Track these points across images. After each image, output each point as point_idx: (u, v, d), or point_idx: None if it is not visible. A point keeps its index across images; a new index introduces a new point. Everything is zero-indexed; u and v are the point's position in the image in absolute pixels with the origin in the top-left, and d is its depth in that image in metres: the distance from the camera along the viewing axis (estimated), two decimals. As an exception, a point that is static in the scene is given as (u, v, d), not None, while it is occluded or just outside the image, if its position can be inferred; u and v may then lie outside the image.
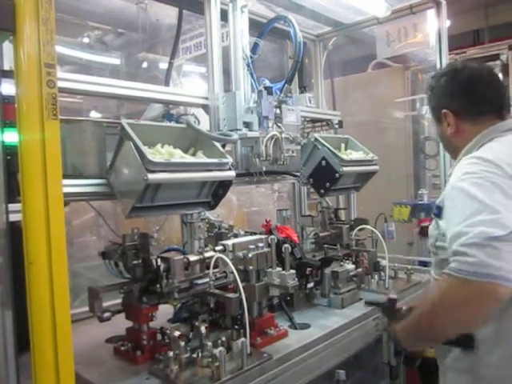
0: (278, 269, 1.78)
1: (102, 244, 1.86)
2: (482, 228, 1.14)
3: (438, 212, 1.42)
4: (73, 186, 1.56)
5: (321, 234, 2.65)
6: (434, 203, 1.50)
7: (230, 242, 1.80)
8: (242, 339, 1.57)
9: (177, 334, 1.58)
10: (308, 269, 2.11)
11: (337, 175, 2.41)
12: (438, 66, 3.02)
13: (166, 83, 2.47)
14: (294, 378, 1.71)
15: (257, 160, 2.05)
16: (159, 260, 1.69)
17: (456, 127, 1.48)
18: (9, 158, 1.26)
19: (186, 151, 1.80)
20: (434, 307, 1.27)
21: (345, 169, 2.41)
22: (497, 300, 1.14)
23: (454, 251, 1.19)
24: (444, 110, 1.49)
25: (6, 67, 1.44)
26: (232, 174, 1.80)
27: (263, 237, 1.93)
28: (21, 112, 1.14)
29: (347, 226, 2.64)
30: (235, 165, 2.05)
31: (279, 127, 2.13)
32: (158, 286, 1.66)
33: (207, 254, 1.78)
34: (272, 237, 1.83)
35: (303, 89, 2.89)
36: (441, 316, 1.25)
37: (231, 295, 1.67)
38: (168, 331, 1.63)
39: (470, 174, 1.28)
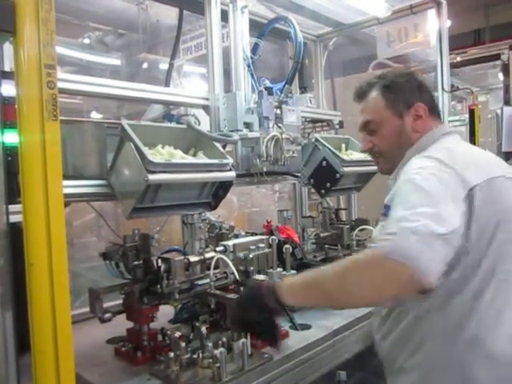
0: (279, 269, 1.78)
1: (103, 245, 1.86)
2: (427, 221, 1.11)
3: (386, 211, 1.34)
4: (73, 186, 1.56)
5: (322, 235, 2.65)
6: None
7: (230, 243, 1.80)
8: (243, 340, 1.57)
9: (177, 334, 1.58)
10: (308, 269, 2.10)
11: (337, 175, 2.41)
12: (439, 65, 3.02)
13: (167, 84, 2.47)
14: (294, 378, 1.71)
15: (257, 160, 2.05)
16: (160, 261, 1.69)
17: (425, 122, 1.47)
18: (9, 158, 1.26)
19: (186, 152, 1.80)
20: (345, 269, 1.19)
21: (345, 169, 2.41)
22: (407, 287, 1.11)
23: (391, 232, 1.14)
24: (418, 103, 1.47)
25: (7, 68, 1.44)
26: (232, 174, 1.80)
27: (264, 237, 1.93)
28: (21, 113, 1.14)
29: (348, 226, 2.64)
30: (236, 165, 2.05)
31: (280, 128, 2.13)
32: (159, 286, 1.66)
33: (208, 255, 1.78)
34: (273, 237, 1.83)
35: (304, 89, 2.89)
36: (350, 279, 1.17)
37: (232, 296, 1.67)
38: (169, 332, 1.62)
39: (423, 169, 1.26)
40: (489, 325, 1.23)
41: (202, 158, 1.78)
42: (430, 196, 1.18)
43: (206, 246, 1.91)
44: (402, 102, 1.49)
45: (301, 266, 2.04)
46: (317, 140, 2.53)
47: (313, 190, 2.85)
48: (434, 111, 1.51)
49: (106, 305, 1.70)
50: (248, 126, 2.11)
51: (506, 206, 1.28)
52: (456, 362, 1.25)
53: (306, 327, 1.96)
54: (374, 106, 1.53)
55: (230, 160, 1.79)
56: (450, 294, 1.25)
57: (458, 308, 1.25)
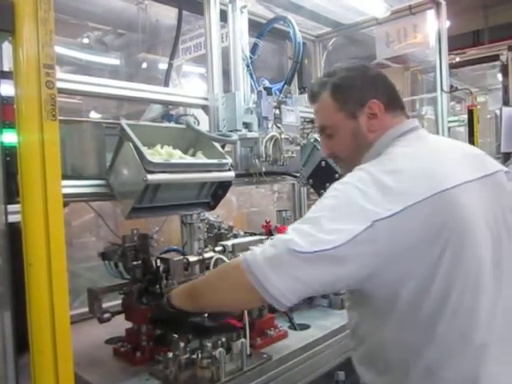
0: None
1: (102, 245, 1.86)
2: (293, 238, 1.07)
3: None
4: (72, 186, 1.56)
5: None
6: None
7: (229, 243, 1.80)
8: (242, 340, 1.57)
9: (176, 334, 1.58)
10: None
11: (336, 176, 2.41)
12: (438, 66, 3.03)
13: (166, 84, 2.47)
14: (293, 378, 1.71)
15: (256, 161, 2.05)
16: (159, 261, 1.69)
17: (381, 120, 1.32)
18: (8, 158, 1.26)
19: (185, 152, 1.80)
20: (212, 272, 1.34)
21: (344, 169, 2.41)
22: (250, 301, 1.17)
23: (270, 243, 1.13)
24: (371, 101, 1.31)
25: (6, 68, 1.44)
26: (231, 174, 1.80)
27: (263, 237, 1.93)
28: (20, 113, 1.14)
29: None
30: (235, 165, 2.05)
31: (279, 128, 2.13)
32: (158, 286, 1.66)
33: (207, 255, 1.78)
34: (272, 237, 1.82)
35: (303, 89, 2.89)
36: (212, 282, 1.28)
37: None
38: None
39: (342, 184, 1.16)
40: (447, 353, 1.11)
41: (200, 158, 1.78)
42: (320, 215, 1.10)
43: (205, 246, 1.91)
44: (354, 101, 1.34)
45: None
46: (316, 140, 2.53)
47: (312, 190, 2.85)
48: (393, 106, 1.34)
49: (104, 305, 1.70)
50: (247, 126, 2.12)
51: (455, 219, 1.10)
52: None
53: (305, 327, 1.96)
54: (326, 110, 1.39)
55: (229, 160, 1.79)
56: (403, 325, 1.14)
57: (413, 337, 1.14)
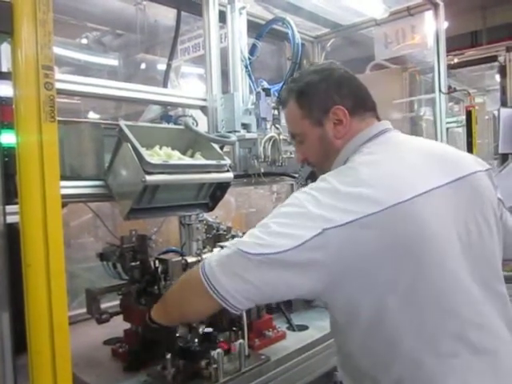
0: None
1: (100, 245, 1.86)
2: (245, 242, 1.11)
3: None
4: (70, 187, 1.55)
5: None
6: None
7: (228, 244, 1.80)
8: (240, 341, 1.57)
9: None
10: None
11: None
12: (436, 67, 3.03)
13: (164, 84, 2.47)
14: (292, 379, 1.71)
15: (255, 161, 2.05)
16: (157, 261, 1.69)
17: (348, 126, 1.29)
18: (6, 159, 1.26)
19: (184, 153, 1.80)
20: (175, 286, 1.35)
21: (343, 170, 2.41)
22: (206, 307, 1.19)
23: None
24: (337, 107, 1.27)
25: (4, 69, 1.44)
26: (230, 175, 1.80)
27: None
28: (18, 114, 1.14)
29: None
30: (233, 166, 2.05)
31: (277, 129, 2.13)
32: (156, 287, 1.66)
33: (205, 256, 1.77)
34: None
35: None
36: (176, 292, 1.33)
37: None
38: (166, 333, 1.62)
39: (301, 194, 1.14)
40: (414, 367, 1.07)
41: (199, 159, 1.78)
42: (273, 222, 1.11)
43: (204, 247, 1.91)
44: (318, 108, 1.30)
45: None
46: (314, 141, 2.53)
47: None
48: (359, 110, 1.30)
49: (103, 306, 1.70)
50: (246, 126, 2.12)
51: (413, 231, 1.05)
52: None
53: (304, 328, 1.96)
54: (293, 118, 1.37)
55: (227, 161, 1.79)
56: (366, 339, 1.12)
57: (378, 352, 1.11)
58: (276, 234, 1.07)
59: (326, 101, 1.29)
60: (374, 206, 1.04)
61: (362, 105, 1.31)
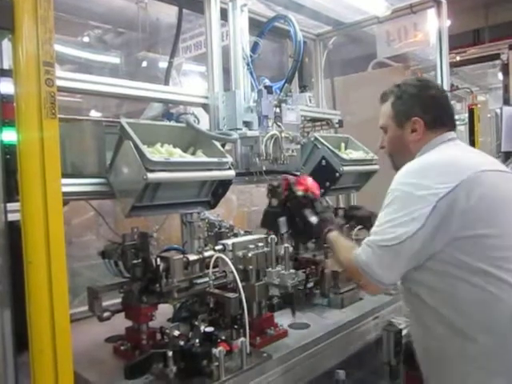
0: (278, 268, 1.78)
1: (102, 243, 1.86)
2: (382, 236, 1.46)
3: None
4: (72, 185, 1.55)
5: (321, 234, 2.64)
6: None
7: (229, 242, 1.80)
8: (242, 339, 1.57)
9: (176, 333, 1.58)
10: (308, 268, 2.12)
11: (337, 175, 2.41)
12: (439, 65, 3.02)
13: (166, 82, 2.46)
14: (293, 377, 1.71)
15: (257, 159, 2.05)
16: (159, 259, 1.69)
17: (422, 135, 1.64)
18: (8, 157, 1.26)
19: (185, 150, 1.79)
20: (345, 264, 1.67)
21: (345, 168, 2.41)
22: (372, 292, 1.73)
23: (366, 240, 1.51)
24: (415, 118, 1.63)
25: (6, 66, 1.44)
26: (232, 173, 1.80)
27: (263, 236, 1.93)
28: (19, 111, 1.14)
29: (347, 225, 2.63)
30: (235, 164, 2.04)
31: (279, 126, 2.13)
32: (158, 285, 1.65)
33: (207, 254, 1.77)
34: (272, 237, 1.83)
35: (303, 88, 2.88)
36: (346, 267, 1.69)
37: (231, 295, 1.66)
38: (167, 331, 1.62)
39: (401, 185, 1.49)
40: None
41: (201, 157, 1.78)
42: (395, 213, 1.45)
43: (205, 245, 1.91)
44: (403, 114, 1.67)
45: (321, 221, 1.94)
46: (316, 139, 2.52)
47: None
48: (436, 126, 1.64)
49: (104, 303, 1.70)
50: (247, 124, 2.11)
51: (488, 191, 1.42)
52: None
53: (305, 326, 1.96)
54: (385, 114, 1.74)
55: (229, 159, 1.78)
56: None
57: None
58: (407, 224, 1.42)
59: (410, 111, 1.66)
60: (448, 185, 1.39)
61: (440, 121, 1.65)
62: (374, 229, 1.51)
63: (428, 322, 1.50)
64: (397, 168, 1.68)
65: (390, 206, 1.48)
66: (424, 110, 1.63)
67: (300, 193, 2.00)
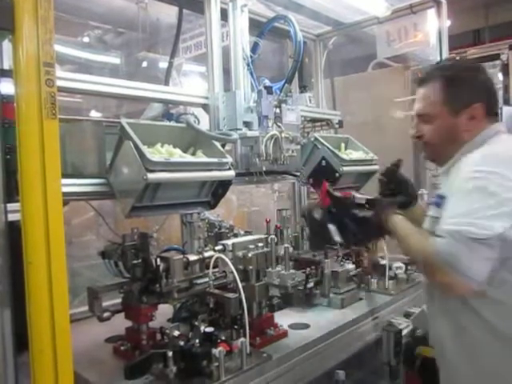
0: (278, 268, 1.78)
1: (102, 243, 1.86)
2: (472, 228, 1.23)
3: (440, 202, 1.43)
4: (72, 185, 1.55)
5: (321, 234, 2.64)
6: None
7: (229, 242, 1.80)
8: (242, 339, 1.57)
9: (176, 333, 1.58)
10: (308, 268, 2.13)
11: (337, 175, 2.41)
12: (438, 65, 3.02)
13: (166, 82, 2.46)
14: (293, 378, 1.71)
15: (257, 159, 2.05)
16: (159, 260, 1.69)
17: (478, 122, 1.46)
18: (8, 157, 1.26)
19: (185, 151, 1.79)
20: (419, 258, 1.43)
21: (345, 168, 2.41)
22: (457, 292, 1.35)
23: (448, 230, 1.28)
24: (477, 104, 1.44)
25: (6, 66, 1.44)
26: (232, 173, 1.80)
27: (263, 236, 1.93)
28: (20, 111, 1.14)
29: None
30: (235, 164, 2.05)
31: (279, 127, 2.13)
32: (158, 285, 1.65)
33: (207, 254, 1.78)
34: (272, 237, 1.83)
35: (303, 88, 2.88)
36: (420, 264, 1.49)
37: (231, 295, 1.66)
38: (167, 331, 1.62)
39: (484, 173, 1.31)
40: None
41: (201, 157, 1.78)
42: (483, 203, 1.26)
43: (205, 245, 1.91)
44: (461, 100, 1.46)
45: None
46: (316, 139, 2.53)
47: (312, 189, 2.84)
48: (491, 112, 1.48)
49: (104, 303, 1.70)
50: (247, 124, 2.11)
51: None
52: None
53: (305, 326, 1.96)
54: (432, 99, 1.50)
55: (229, 159, 1.78)
56: None
57: None
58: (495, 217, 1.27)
59: (471, 96, 1.45)
60: None
61: (494, 108, 1.50)
62: (453, 219, 1.29)
63: (464, 322, 1.41)
64: (433, 159, 1.58)
65: (473, 195, 1.29)
66: (484, 95, 1.47)
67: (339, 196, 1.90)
